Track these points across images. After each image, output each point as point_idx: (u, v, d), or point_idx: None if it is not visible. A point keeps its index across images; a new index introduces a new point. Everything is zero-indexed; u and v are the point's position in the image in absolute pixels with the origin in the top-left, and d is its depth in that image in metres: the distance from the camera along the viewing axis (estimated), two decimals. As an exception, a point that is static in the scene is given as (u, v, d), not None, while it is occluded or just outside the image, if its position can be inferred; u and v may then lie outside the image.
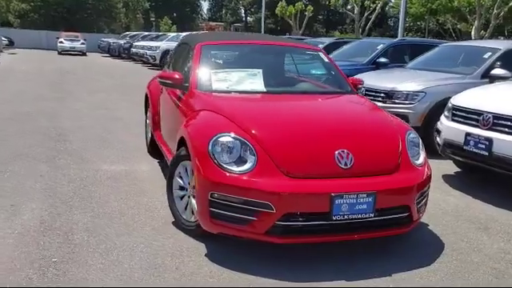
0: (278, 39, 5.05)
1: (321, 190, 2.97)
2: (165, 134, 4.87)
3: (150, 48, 20.23)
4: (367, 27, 30.43)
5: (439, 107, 6.36)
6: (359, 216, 3.02)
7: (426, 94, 6.39)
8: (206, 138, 3.20)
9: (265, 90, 4.01)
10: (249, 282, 2.91)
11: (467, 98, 5.06)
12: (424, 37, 41.02)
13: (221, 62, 4.36)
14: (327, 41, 12.14)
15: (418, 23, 45.21)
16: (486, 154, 4.52)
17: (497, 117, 4.53)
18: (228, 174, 3.04)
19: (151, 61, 20.00)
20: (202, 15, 76.77)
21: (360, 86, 4.56)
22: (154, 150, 5.59)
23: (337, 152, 3.11)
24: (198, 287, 2.86)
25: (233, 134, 3.18)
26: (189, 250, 3.30)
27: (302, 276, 2.98)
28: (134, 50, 23.01)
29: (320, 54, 4.60)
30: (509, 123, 4.43)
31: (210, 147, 3.14)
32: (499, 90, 5.24)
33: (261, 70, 4.13)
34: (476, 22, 21.35)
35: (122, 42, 27.87)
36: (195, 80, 3.98)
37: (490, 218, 4.16)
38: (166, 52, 19.22)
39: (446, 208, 4.34)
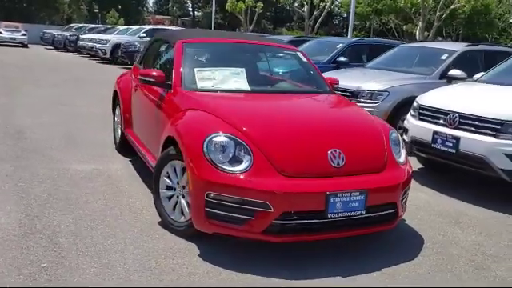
0: (257, 38, 5.06)
1: (316, 189, 3.04)
2: (140, 132, 4.77)
3: (100, 41, 19.60)
4: (316, 25, 30.96)
5: (401, 106, 6.65)
6: (352, 213, 3.12)
7: (390, 93, 6.63)
8: (200, 138, 3.18)
9: (249, 89, 4.02)
10: (248, 280, 2.93)
11: (433, 98, 5.31)
12: (368, 36, 42.33)
13: (203, 60, 4.33)
14: (285, 39, 12.26)
15: (363, 22, 46.57)
16: (454, 151, 4.77)
17: (463, 116, 4.79)
18: (224, 174, 3.05)
19: (101, 54, 19.40)
20: (147, 8, 75.19)
21: (336, 85, 4.67)
22: (124, 147, 5.49)
23: (329, 151, 3.19)
24: (196, 287, 2.85)
25: (227, 134, 3.18)
26: (180, 250, 3.27)
27: (296, 274, 3.03)
28: (81, 42, 22.20)
29: (298, 53, 4.67)
30: (474, 122, 4.69)
31: (204, 147, 3.13)
32: (463, 90, 5.53)
33: (244, 69, 4.15)
34: (420, 23, 22.27)
35: (67, 34, 26.79)
36: (179, 78, 3.93)
37: (459, 213, 4.40)
38: (116, 46, 18.71)
39: (419, 204, 4.54)
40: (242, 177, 3.02)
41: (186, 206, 3.43)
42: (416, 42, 20.57)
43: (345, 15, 57.46)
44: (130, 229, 3.57)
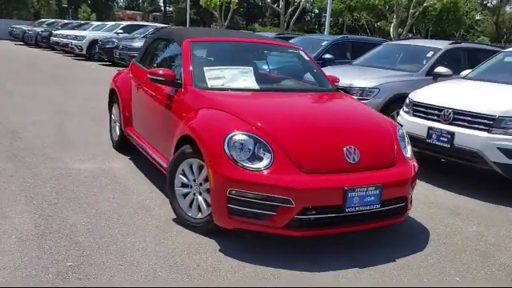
0: (261, 37, 5.14)
1: (335, 185, 3.16)
2: (144, 131, 4.78)
3: (76, 37, 19.23)
4: (291, 22, 31.16)
5: (391, 102, 6.85)
6: (368, 207, 3.25)
7: (380, 90, 6.81)
8: (220, 136, 3.25)
9: (258, 87, 4.11)
10: (273, 274, 3.03)
11: (427, 95, 5.50)
12: (341, 32, 42.87)
13: (211, 59, 4.38)
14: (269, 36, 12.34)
15: (335, 19, 47.08)
16: (448, 146, 4.98)
17: (457, 112, 4.99)
18: (246, 171, 3.13)
19: (77, 51, 19.05)
20: (118, 3, 73.95)
21: (337, 83, 4.80)
22: (123, 145, 5.50)
23: (345, 148, 3.31)
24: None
25: (246, 132, 3.26)
26: (201, 246, 3.34)
27: (318, 266, 3.15)
28: (54, 38, 21.69)
29: (301, 52, 4.78)
30: (468, 118, 4.90)
31: (225, 145, 3.20)
32: (454, 87, 5.74)
33: (252, 68, 4.23)
34: (394, 20, 22.73)
35: (38, 29, 26.10)
36: (189, 77, 3.98)
37: (456, 205, 4.61)
38: (93, 42, 18.43)
39: (418, 197, 4.68)
40: (264, 174, 3.12)
41: (203, 202, 3.50)
42: (390, 38, 21.01)
43: (317, 11, 58.08)
44: (146, 226, 3.62)
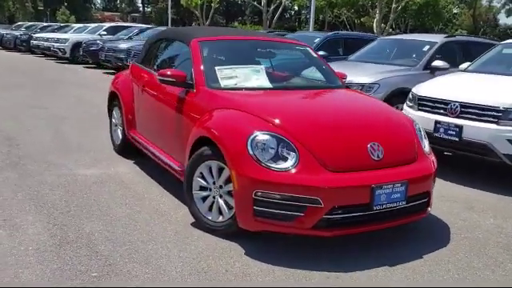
0: (267, 35, 5.06)
1: (362, 183, 3.11)
2: (151, 134, 4.66)
3: (58, 40, 18.83)
4: (274, 19, 31.15)
5: (391, 97, 6.83)
6: (394, 204, 3.21)
7: (380, 85, 6.80)
8: (243, 137, 3.18)
9: (271, 86, 4.03)
10: (305, 276, 2.96)
11: (432, 89, 5.50)
12: (322, 29, 43.01)
13: (222, 58, 4.29)
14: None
15: (315, 15, 47.25)
16: (457, 139, 4.98)
17: (464, 105, 5.00)
18: (272, 172, 3.06)
19: (60, 54, 18.66)
20: (95, 5, 73.01)
21: (345, 79, 4.75)
22: (126, 149, 5.38)
23: (369, 145, 3.27)
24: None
25: (269, 132, 3.19)
26: (225, 250, 3.26)
27: (345, 266, 3.09)
28: (35, 42, 21.23)
29: (308, 49, 4.72)
30: (476, 111, 4.91)
31: (248, 146, 3.13)
32: (458, 80, 5.75)
33: (263, 66, 4.15)
34: (377, 16, 22.87)
35: (17, 33, 25.57)
36: (201, 77, 3.89)
37: (468, 198, 4.60)
38: (76, 45, 18.08)
39: (430, 191, 4.70)
40: (290, 174, 3.05)
41: (224, 205, 3.42)
42: (373, 34, 21.11)
43: (296, 8, 58.17)
44: (165, 232, 3.52)
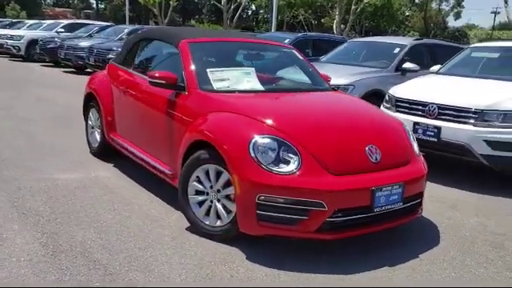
0: (253, 37, 5.03)
1: (363, 185, 3.15)
2: (136, 136, 4.53)
3: (12, 37, 18.01)
4: (235, 19, 31.05)
5: (365, 98, 6.95)
6: (392, 206, 3.28)
7: (355, 86, 6.92)
8: (244, 141, 3.15)
9: (262, 88, 4.02)
10: (309, 279, 2.97)
11: (409, 91, 5.65)
12: (281, 29, 43.31)
13: (212, 60, 4.23)
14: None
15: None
16: (435, 140, 5.14)
17: (442, 107, 5.17)
18: (276, 176, 3.05)
19: (14, 51, 17.86)
20: (45, 0, 70.35)
21: (329, 81, 4.80)
22: (104, 152, 5.23)
23: (367, 147, 3.32)
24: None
25: (270, 135, 3.18)
26: (227, 255, 3.22)
27: (346, 268, 3.13)
28: (-15, 39, 20.27)
29: (294, 51, 4.74)
30: (453, 112, 5.09)
31: (250, 149, 3.11)
32: (433, 83, 5.93)
33: (253, 69, 4.13)
34: (337, 17, 23.26)
35: (-36, 29, 24.32)
36: (194, 80, 3.82)
37: (450, 198, 4.75)
38: (32, 42, 17.39)
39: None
40: (294, 177, 3.05)
41: (222, 210, 3.38)
42: (333, 34, 21.46)
43: (254, 8, 58.27)
44: (161, 238, 3.44)
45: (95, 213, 3.82)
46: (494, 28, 55.61)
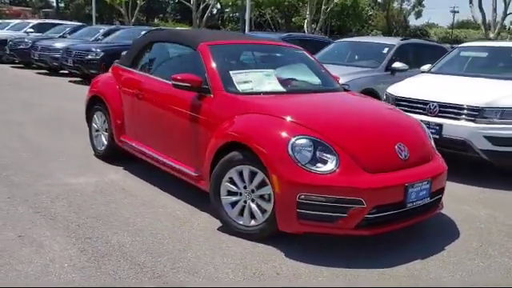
0: (266, 39, 5.09)
1: (398, 182, 3.29)
2: (154, 139, 4.49)
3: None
4: (204, 18, 30.91)
5: (359, 97, 7.18)
6: (421, 201, 3.43)
7: (350, 86, 7.03)
8: (283, 141, 3.23)
9: (284, 89, 4.10)
10: (353, 274, 3.08)
11: (408, 90, 5.86)
12: (249, 28, 43.36)
13: (233, 62, 4.27)
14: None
15: (240, 14, 47.54)
16: (437, 136, 5.34)
17: (443, 105, 5.39)
18: (316, 175, 3.15)
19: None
20: (2, -2, 67.87)
21: (338, 82, 4.93)
22: (112, 154, 5.19)
23: (396, 145, 3.46)
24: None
25: (307, 135, 3.28)
26: (265, 254, 3.29)
27: (385, 262, 3.25)
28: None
29: (305, 53, 4.84)
30: (454, 110, 5.32)
31: (289, 150, 3.19)
32: (431, 81, 6.16)
33: (273, 71, 4.21)
34: (308, 17, 23.56)
35: None
36: (219, 82, 3.86)
37: (453, 192, 4.91)
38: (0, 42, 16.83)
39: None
40: (334, 176, 3.15)
41: (257, 209, 3.44)
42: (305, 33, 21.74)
43: (219, 6, 58.13)
44: (196, 239, 3.47)
45: (122, 217, 3.81)
46: (453, 26, 57.50)
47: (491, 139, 5.11)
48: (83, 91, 6.38)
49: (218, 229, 3.64)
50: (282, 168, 3.17)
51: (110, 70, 5.44)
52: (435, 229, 3.95)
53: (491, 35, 17.62)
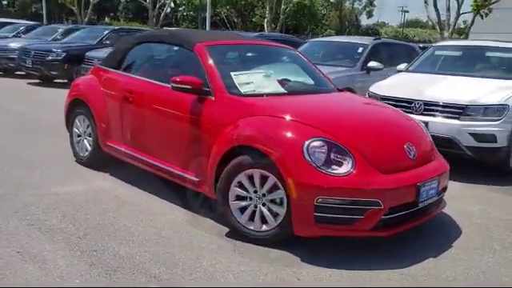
0: (263, 40, 5.00)
1: (411, 181, 3.30)
2: (146, 144, 4.32)
3: None
4: (161, 17, 30.31)
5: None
6: (431, 199, 3.47)
7: (329, 85, 7.12)
8: (298, 144, 3.18)
9: (285, 91, 4.04)
10: (372, 276, 3.06)
11: (393, 90, 5.94)
12: (203, 26, 43.08)
13: (231, 63, 4.16)
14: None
15: (195, 13, 47.04)
16: (423, 135, 5.45)
17: (427, 104, 5.50)
18: (332, 177, 3.11)
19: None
20: None
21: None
22: (97, 160, 4.97)
23: (405, 145, 3.47)
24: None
25: (320, 137, 3.23)
26: (281, 260, 3.22)
27: (401, 261, 3.26)
28: None
29: (298, 54, 4.80)
30: (439, 108, 5.44)
31: (305, 153, 3.14)
32: (414, 81, 6.25)
33: (272, 71, 4.14)
34: (268, 16, 23.64)
35: None
36: (220, 84, 3.76)
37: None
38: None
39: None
40: (351, 178, 3.12)
41: (269, 214, 3.37)
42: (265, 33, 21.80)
43: (173, 6, 57.37)
44: (208, 247, 3.36)
45: (124, 226, 3.63)
46: (403, 25, 59.33)
47: (475, 136, 5.26)
48: (45, 94, 6.10)
49: (225, 235, 3.55)
50: (298, 171, 3.12)
51: (91, 71, 5.20)
52: (435, 226, 3.99)
53: (446, 34, 18.24)
